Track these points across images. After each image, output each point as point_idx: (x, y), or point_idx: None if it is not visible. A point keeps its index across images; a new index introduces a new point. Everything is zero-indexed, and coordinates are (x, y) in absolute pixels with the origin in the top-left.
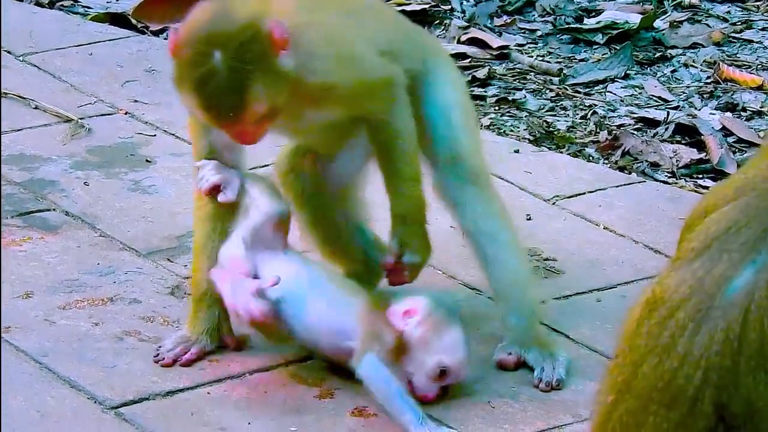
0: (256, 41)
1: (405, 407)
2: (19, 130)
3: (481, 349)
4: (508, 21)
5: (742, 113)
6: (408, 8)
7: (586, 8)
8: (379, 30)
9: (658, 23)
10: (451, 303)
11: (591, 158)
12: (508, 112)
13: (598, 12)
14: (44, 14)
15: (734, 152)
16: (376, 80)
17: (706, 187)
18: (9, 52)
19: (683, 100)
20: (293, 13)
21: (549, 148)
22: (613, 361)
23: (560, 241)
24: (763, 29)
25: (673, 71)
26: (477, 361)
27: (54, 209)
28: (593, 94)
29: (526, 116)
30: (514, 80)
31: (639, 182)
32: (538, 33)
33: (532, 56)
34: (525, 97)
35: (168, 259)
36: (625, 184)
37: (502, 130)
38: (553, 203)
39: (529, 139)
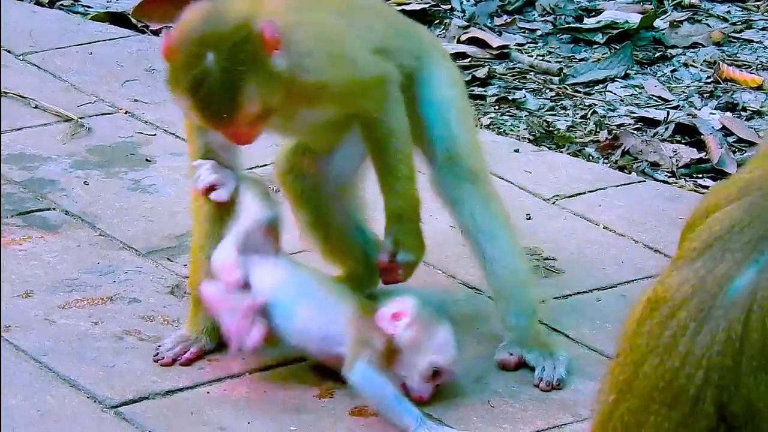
0: (248, 42)
1: (402, 410)
2: (19, 129)
3: (481, 348)
4: (508, 20)
5: (742, 113)
6: (408, 8)
7: (586, 8)
8: (371, 27)
9: (658, 23)
10: (437, 301)
11: (591, 158)
12: (508, 111)
13: (598, 12)
14: (44, 13)
15: (734, 152)
16: (368, 78)
17: (706, 187)
18: (9, 52)
19: (683, 100)
20: (285, 12)
21: (549, 148)
22: (614, 360)
23: (560, 240)
24: (763, 29)
25: (673, 71)
26: (477, 361)
27: (54, 208)
28: (593, 93)
29: (526, 116)
30: (514, 80)
31: (639, 182)
32: (538, 32)
33: (532, 56)
34: (525, 96)
35: (168, 259)
36: (624, 184)
37: (502, 130)
38: (553, 203)
39: (529, 139)
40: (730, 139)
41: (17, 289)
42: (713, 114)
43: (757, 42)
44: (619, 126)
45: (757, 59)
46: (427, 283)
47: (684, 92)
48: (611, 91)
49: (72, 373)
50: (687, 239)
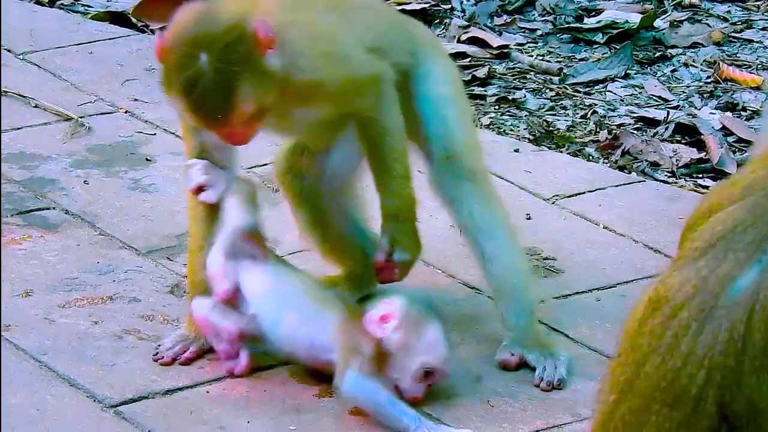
0: (241, 42)
1: (399, 413)
2: (19, 128)
3: (481, 348)
4: (508, 20)
5: (742, 113)
6: (408, 7)
7: (586, 8)
8: (365, 25)
9: (658, 23)
10: (426, 300)
11: (591, 158)
12: (508, 111)
13: (598, 11)
14: (44, 13)
15: (734, 152)
16: (363, 77)
17: (706, 187)
18: (9, 51)
19: (683, 100)
20: (278, 12)
21: (549, 148)
22: (616, 360)
23: (560, 240)
24: (763, 29)
25: (673, 71)
26: (477, 361)
27: (54, 208)
28: (593, 93)
29: (526, 115)
30: (514, 79)
31: (639, 182)
32: (538, 32)
33: (532, 55)
34: (525, 96)
35: (168, 258)
36: (624, 184)
37: (501, 130)
38: (553, 202)
39: (529, 139)
40: (730, 139)
41: (17, 289)
42: (713, 114)
43: (757, 42)
44: (619, 126)
45: (757, 59)
46: (426, 283)
47: (684, 92)
48: (611, 91)
49: (72, 372)
50: (688, 239)
